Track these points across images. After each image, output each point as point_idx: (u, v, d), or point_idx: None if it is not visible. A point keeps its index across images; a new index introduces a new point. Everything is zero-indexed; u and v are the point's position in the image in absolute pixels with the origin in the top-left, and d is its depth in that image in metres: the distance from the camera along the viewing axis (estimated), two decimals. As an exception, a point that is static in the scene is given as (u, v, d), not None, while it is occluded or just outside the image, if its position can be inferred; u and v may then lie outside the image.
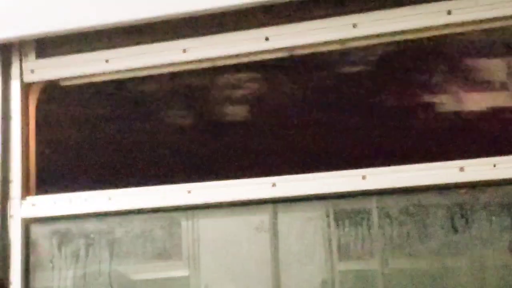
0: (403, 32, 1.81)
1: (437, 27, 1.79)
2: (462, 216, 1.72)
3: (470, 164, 1.66)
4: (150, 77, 2.17)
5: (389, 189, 1.75)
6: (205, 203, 1.92)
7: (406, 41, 1.91)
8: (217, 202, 1.91)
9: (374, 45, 1.96)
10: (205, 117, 2.41)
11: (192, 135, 2.36)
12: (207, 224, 1.99)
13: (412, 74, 2.16)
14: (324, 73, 2.05)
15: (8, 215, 1.99)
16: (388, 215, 1.77)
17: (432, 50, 2.01)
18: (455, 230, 1.71)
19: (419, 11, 1.77)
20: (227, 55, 1.92)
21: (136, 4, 1.96)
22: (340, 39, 1.81)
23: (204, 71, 2.14)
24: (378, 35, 1.80)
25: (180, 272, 1.99)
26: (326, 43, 1.83)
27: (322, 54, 1.94)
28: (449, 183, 1.68)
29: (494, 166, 1.66)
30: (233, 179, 1.95)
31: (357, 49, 2.04)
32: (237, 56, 1.93)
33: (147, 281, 2.02)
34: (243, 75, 2.15)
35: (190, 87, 2.26)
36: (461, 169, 1.65)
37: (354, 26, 1.78)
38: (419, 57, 2.03)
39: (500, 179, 1.67)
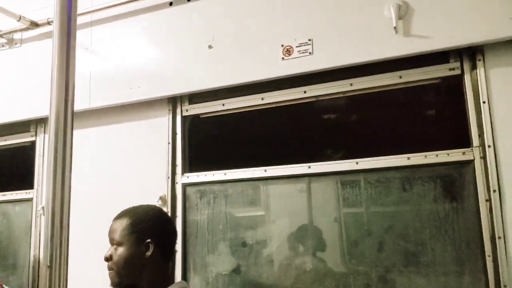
0: (372, 87, 2.10)
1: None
2: (408, 183, 2.03)
3: (413, 156, 1.99)
4: (244, 112, 2.36)
5: (370, 169, 2.08)
6: (273, 176, 2.25)
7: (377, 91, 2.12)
8: (279, 176, 2.24)
9: (362, 94, 2.14)
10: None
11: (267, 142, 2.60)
12: (274, 188, 2.30)
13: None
14: (333, 103, 2.35)
15: (175, 182, 2.40)
16: (369, 183, 2.10)
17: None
18: (404, 190, 2.04)
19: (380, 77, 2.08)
20: (280, 101, 2.26)
21: (237, 74, 2.26)
22: (343, 91, 2.16)
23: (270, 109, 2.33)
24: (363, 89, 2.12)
25: (260, 212, 2.32)
26: (335, 93, 2.18)
27: (332, 98, 2.21)
28: (401, 166, 2.02)
29: (425, 157, 1.97)
30: (288, 164, 2.22)
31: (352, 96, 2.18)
32: (285, 101, 2.27)
33: (244, 217, 2.34)
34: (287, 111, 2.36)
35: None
36: (408, 158, 2.00)
37: (351, 84, 2.14)
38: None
39: (428, 163, 1.97)
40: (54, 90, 0.95)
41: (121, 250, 1.54)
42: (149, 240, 1.54)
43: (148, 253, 1.53)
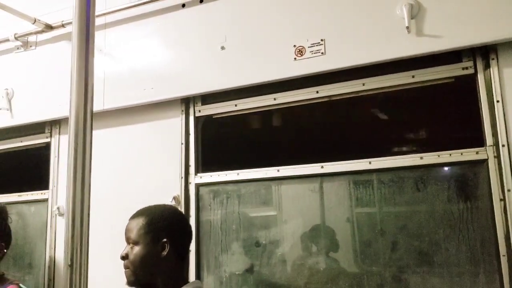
0: (385, 87, 2.11)
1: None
2: (422, 182, 2.02)
3: (426, 156, 1.98)
4: (255, 112, 2.40)
5: (383, 168, 2.07)
6: (285, 176, 2.24)
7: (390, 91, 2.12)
8: (292, 176, 2.23)
9: (375, 94, 2.15)
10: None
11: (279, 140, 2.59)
12: (286, 188, 2.29)
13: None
14: (346, 102, 2.27)
15: (189, 182, 2.40)
16: (382, 182, 2.09)
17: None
18: (418, 190, 2.03)
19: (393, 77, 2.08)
20: (293, 101, 2.26)
21: (250, 75, 2.26)
22: (356, 91, 2.16)
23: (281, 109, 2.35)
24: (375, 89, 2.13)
25: (272, 212, 2.31)
26: (349, 93, 2.18)
27: (346, 98, 2.20)
28: (414, 165, 2.01)
29: (439, 156, 1.96)
30: (301, 164, 2.21)
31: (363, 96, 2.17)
32: (297, 101, 2.26)
33: (257, 216, 2.32)
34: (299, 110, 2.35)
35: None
36: (421, 158, 1.98)
37: (364, 84, 2.14)
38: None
39: (441, 163, 1.97)
40: (74, 91, 0.96)
41: (137, 249, 1.55)
42: (165, 240, 1.56)
43: (164, 253, 1.55)
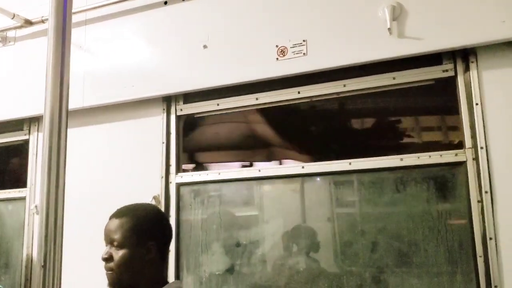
0: (366, 88, 2.11)
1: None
2: (401, 184, 2.03)
3: (406, 157, 1.99)
4: (238, 112, 2.38)
5: (363, 169, 2.07)
6: (267, 176, 2.24)
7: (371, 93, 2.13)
8: (273, 176, 2.23)
9: (356, 95, 2.16)
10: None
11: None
12: (267, 187, 2.30)
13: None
14: (326, 105, 2.34)
15: (169, 182, 2.39)
16: (362, 183, 2.10)
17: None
18: (398, 191, 2.04)
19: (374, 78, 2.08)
20: (276, 101, 2.25)
21: (232, 74, 2.25)
22: (337, 92, 2.16)
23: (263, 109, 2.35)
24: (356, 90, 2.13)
25: (254, 212, 2.30)
26: (330, 93, 2.17)
27: (327, 99, 2.21)
28: (394, 166, 2.02)
29: (418, 158, 1.96)
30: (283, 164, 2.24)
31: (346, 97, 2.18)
32: (281, 101, 2.26)
33: (238, 216, 2.33)
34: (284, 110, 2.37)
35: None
36: (401, 159, 1.99)
37: (345, 85, 2.13)
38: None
39: (421, 165, 1.96)
40: (49, 88, 0.93)
41: (123, 252, 1.50)
42: (151, 243, 1.52)
43: (149, 256, 1.51)
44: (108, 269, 1.52)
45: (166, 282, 1.58)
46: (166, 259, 1.64)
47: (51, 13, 0.97)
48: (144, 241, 1.51)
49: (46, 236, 0.88)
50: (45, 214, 0.89)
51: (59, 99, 0.94)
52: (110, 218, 1.59)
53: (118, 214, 1.58)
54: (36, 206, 2.67)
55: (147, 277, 1.52)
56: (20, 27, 2.78)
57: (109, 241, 1.54)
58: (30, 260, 2.68)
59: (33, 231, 2.70)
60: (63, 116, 0.94)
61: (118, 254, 1.50)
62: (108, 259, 1.52)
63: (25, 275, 2.69)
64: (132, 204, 1.64)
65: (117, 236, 1.52)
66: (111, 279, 1.51)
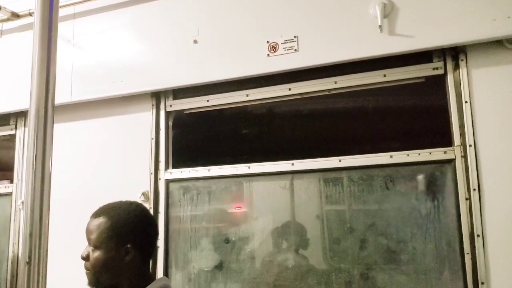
0: (357, 85, 2.11)
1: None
2: (391, 181, 2.03)
3: (395, 154, 2.00)
4: (227, 109, 2.37)
5: (352, 166, 2.08)
6: (256, 173, 2.23)
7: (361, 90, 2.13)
8: (263, 173, 2.22)
9: (346, 92, 2.15)
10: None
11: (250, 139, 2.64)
12: (257, 184, 2.28)
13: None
14: (318, 102, 2.35)
15: (158, 178, 2.37)
16: (352, 180, 2.09)
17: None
18: (387, 188, 2.04)
19: (365, 75, 2.09)
20: (265, 98, 2.25)
21: (222, 70, 2.24)
22: (328, 89, 2.16)
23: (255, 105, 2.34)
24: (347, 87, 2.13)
25: (243, 208, 2.30)
26: (321, 90, 2.17)
27: (318, 96, 2.21)
28: (383, 164, 2.02)
29: (408, 155, 1.96)
30: (271, 161, 2.20)
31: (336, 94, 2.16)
32: (270, 98, 2.26)
33: (227, 213, 2.30)
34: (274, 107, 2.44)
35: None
36: (391, 156, 2.01)
37: (336, 82, 2.14)
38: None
39: (410, 162, 1.97)
40: (35, 82, 0.91)
41: (98, 253, 1.45)
42: (129, 246, 1.46)
43: (128, 258, 1.46)
44: (85, 268, 1.49)
45: (152, 280, 1.53)
46: (149, 259, 1.57)
47: (37, 6, 0.95)
48: (122, 243, 1.45)
49: (31, 233, 0.86)
50: (30, 210, 0.87)
51: (45, 93, 0.91)
52: (91, 216, 1.54)
53: (98, 213, 1.53)
54: (22, 202, 2.63)
55: (128, 278, 1.47)
56: (7, 20, 2.74)
57: (88, 241, 1.50)
58: (16, 256, 2.65)
59: (19, 227, 2.67)
60: (49, 110, 0.91)
61: (93, 255, 1.46)
62: (85, 258, 1.48)
63: (11, 271, 2.66)
64: (115, 202, 1.57)
65: (93, 237, 1.47)
66: (88, 278, 1.48)
